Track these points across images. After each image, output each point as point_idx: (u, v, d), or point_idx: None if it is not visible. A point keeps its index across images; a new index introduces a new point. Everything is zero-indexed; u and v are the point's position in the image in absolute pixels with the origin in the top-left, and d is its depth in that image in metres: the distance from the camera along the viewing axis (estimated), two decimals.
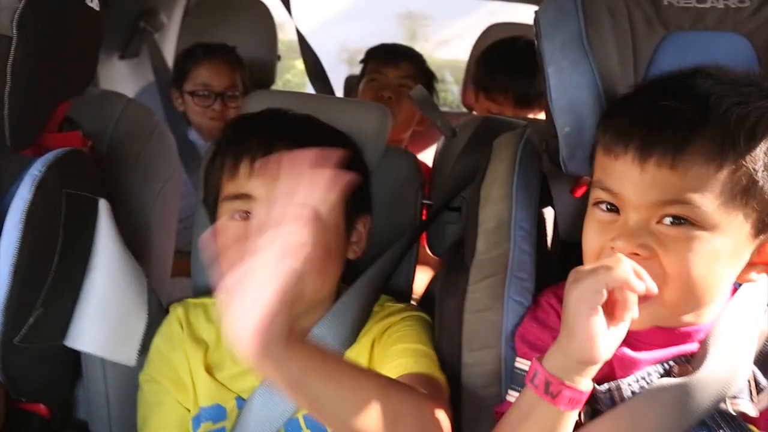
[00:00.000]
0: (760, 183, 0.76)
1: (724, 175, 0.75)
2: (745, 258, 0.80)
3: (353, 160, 1.02)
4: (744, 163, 0.75)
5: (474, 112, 2.13)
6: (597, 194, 0.83)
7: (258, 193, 0.93)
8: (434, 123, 1.16)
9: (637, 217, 0.78)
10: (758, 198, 0.76)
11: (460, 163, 1.09)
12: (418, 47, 2.30)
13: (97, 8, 1.04)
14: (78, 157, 0.94)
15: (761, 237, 0.79)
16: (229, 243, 0.93)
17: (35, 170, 0.88)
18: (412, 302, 1.17)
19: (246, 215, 0.94)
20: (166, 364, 0.97)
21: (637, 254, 0.76)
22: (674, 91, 0.79)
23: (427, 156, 2.15)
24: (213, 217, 1.02)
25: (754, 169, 0.75)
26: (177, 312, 1.02)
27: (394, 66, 1.99)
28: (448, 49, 7.61)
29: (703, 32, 0.87)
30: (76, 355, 0.96)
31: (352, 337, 0.97)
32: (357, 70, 2.14)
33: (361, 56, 2.12)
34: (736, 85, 0.78)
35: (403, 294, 1.13)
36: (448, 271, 1.02)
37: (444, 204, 1.07)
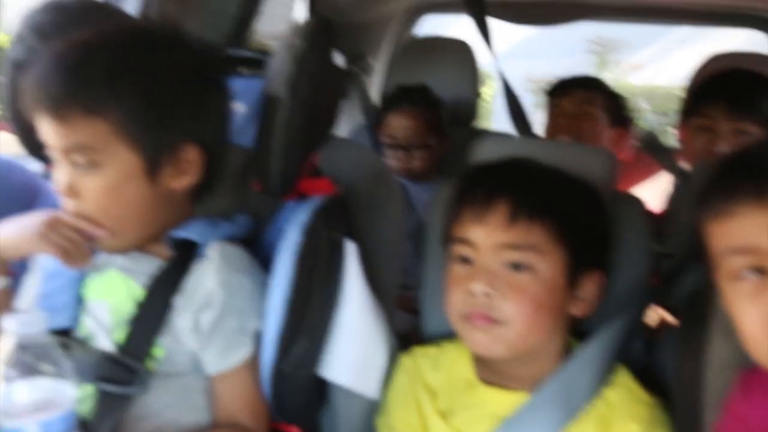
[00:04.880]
0: None
1: None
2: None
3: (585, 209, 1.02)
4: None
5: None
6: (733, 263, 0.79)
7: (477, 239, 0.97)
8: (666, 167, 1.13)
9: None
10: None
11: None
12: (609, 73, 2.24)
13: (342, 66, 1.16)
14: (334, 204, 1.05)
15: None
16: (449, 285, 0.99)
17: (303, 216, 0.98)
18: None
19: (467, 259, 0.99)
20: (401, 412, 1.04)
21: None
22: None
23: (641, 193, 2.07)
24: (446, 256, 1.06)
25: None
26: (405, 363, 1.08)
27: (568, 96, 2.02)
28: (642, 74, 7.24)
29: None
30: (325, 383, 1.05)
31: (582, 403, 0.96)
32: (543, 100, 2.16)
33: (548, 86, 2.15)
34: None
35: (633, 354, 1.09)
36: (687, 326, 0.98)
37: (686, 257, 1.03)
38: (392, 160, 2.00)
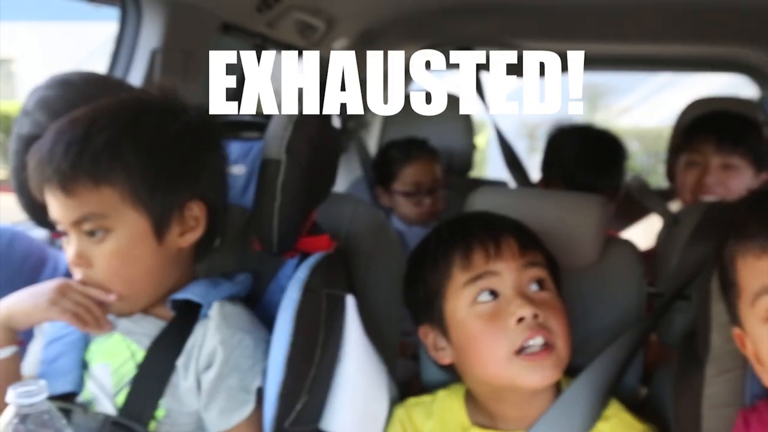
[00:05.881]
0: None
1: None
2: None
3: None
4: None
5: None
6: None
7: (499, 269, 1.00)
8: (655, 211, 1.17)
9: None
10: None
11: (688, 251, 1.08)
12: (600, 116, 2.29)
13: (338, 127, 1.21)
14: (332, 260, 1.07)
15: None
16: (484, 328, 0.98)
17: (301, 274, 1.01)
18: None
19: (491, 295, 1.00)
20: None
21: None
22: None
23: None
24: (428, 315, 1.07)
25: None
26: (399, 414, 1.09)
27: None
28: (631, 117, 7.45)
29: None
30: None
31: None
32: (536, 144, 2.18)
33: (541, 131, 2.16)
34: None
35: (629, 389, 1.11)
36: (683, 365, 1.00)
37: (675, 295, 1.06)
38: (414, 207, 2.04)
